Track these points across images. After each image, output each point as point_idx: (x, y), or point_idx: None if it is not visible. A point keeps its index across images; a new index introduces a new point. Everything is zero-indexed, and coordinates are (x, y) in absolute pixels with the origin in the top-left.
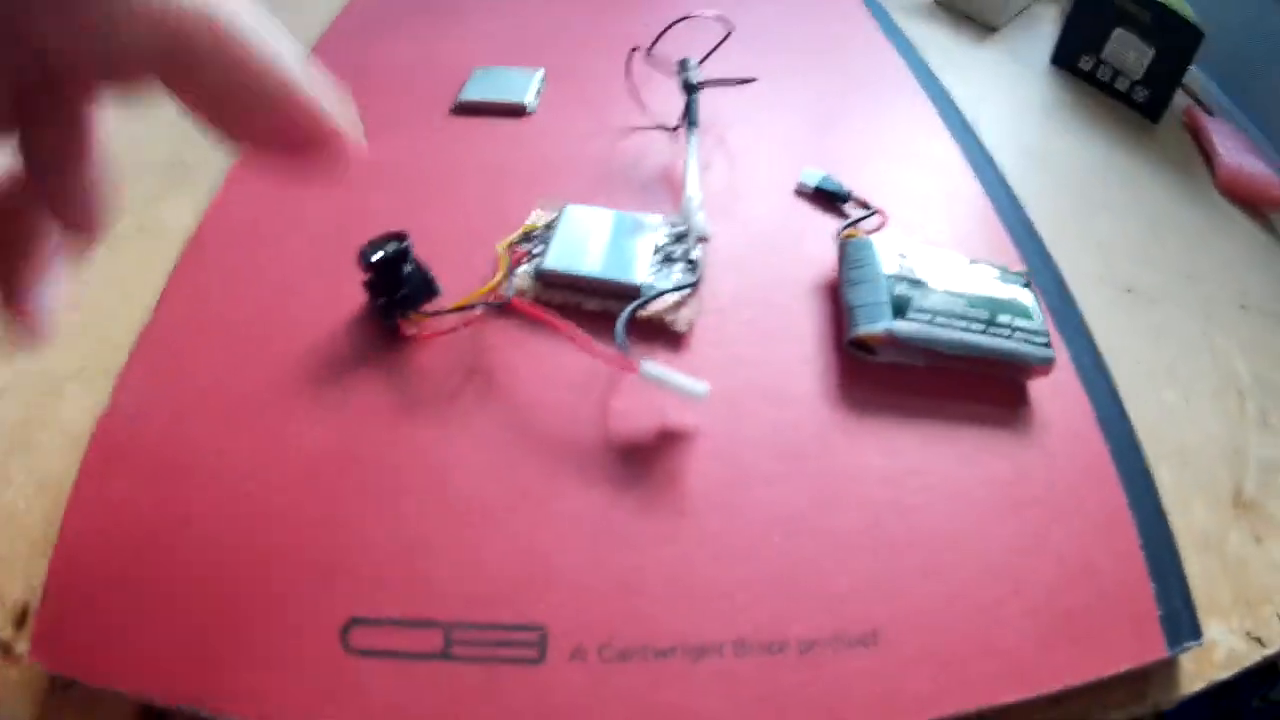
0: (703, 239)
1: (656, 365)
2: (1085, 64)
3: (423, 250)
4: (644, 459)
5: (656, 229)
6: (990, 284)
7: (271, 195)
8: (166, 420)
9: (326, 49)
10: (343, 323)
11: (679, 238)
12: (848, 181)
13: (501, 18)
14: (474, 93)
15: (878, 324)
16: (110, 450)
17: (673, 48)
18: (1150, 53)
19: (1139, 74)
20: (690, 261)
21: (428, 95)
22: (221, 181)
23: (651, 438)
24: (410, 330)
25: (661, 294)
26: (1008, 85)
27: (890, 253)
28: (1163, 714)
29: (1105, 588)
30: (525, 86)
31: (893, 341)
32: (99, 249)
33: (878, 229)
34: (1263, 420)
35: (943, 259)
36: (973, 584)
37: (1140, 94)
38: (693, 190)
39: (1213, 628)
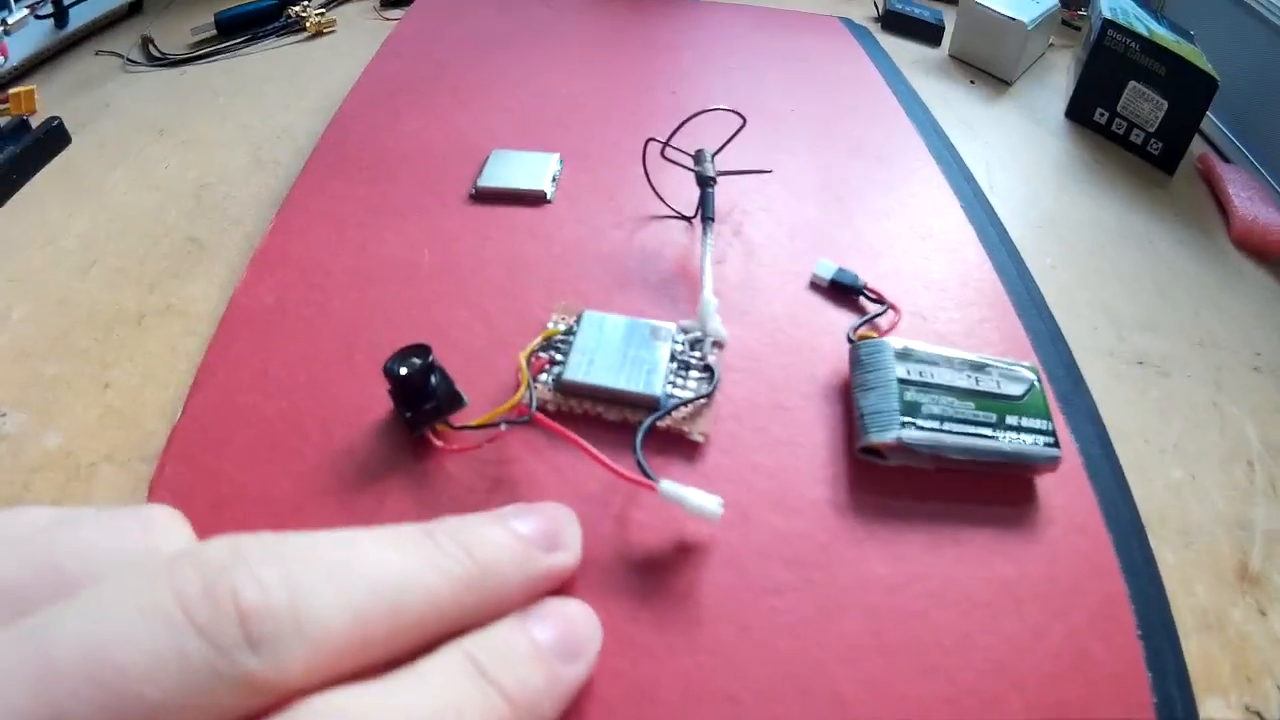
0: (719, 344)
1: (674, 485)
2: (1100, 117)
3: (444, 350)
4: (661, 571)
5: (673, 335)
6: (999, 382)
7: (294, 286)
8: (200, 524)
9: (345, 123)
10: (371, 425)
11: (695, 343)
12: (863, 269)
13: (515, 95)
14: (493, 179)
15: (888, 432)
16: None
17: (688, 129)
18: (1165, 104)
19: (1154, 126)
20: (707, 368)
21: (446, 179)
22: (236, 263)
23: (668, 550)
24: (437, 442)
25: (680, 404)
26: (1022, 143)
27: (901, 353)
28: None
29: (1101, 679)
30: (543, 173)
31: (902, 449)
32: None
33: (892, 327)
34: (1272, 488)
35: (953, 358)
36: (973, 683)
37: (1155, 146)
38: (709, 293)
39: (1210, 704)
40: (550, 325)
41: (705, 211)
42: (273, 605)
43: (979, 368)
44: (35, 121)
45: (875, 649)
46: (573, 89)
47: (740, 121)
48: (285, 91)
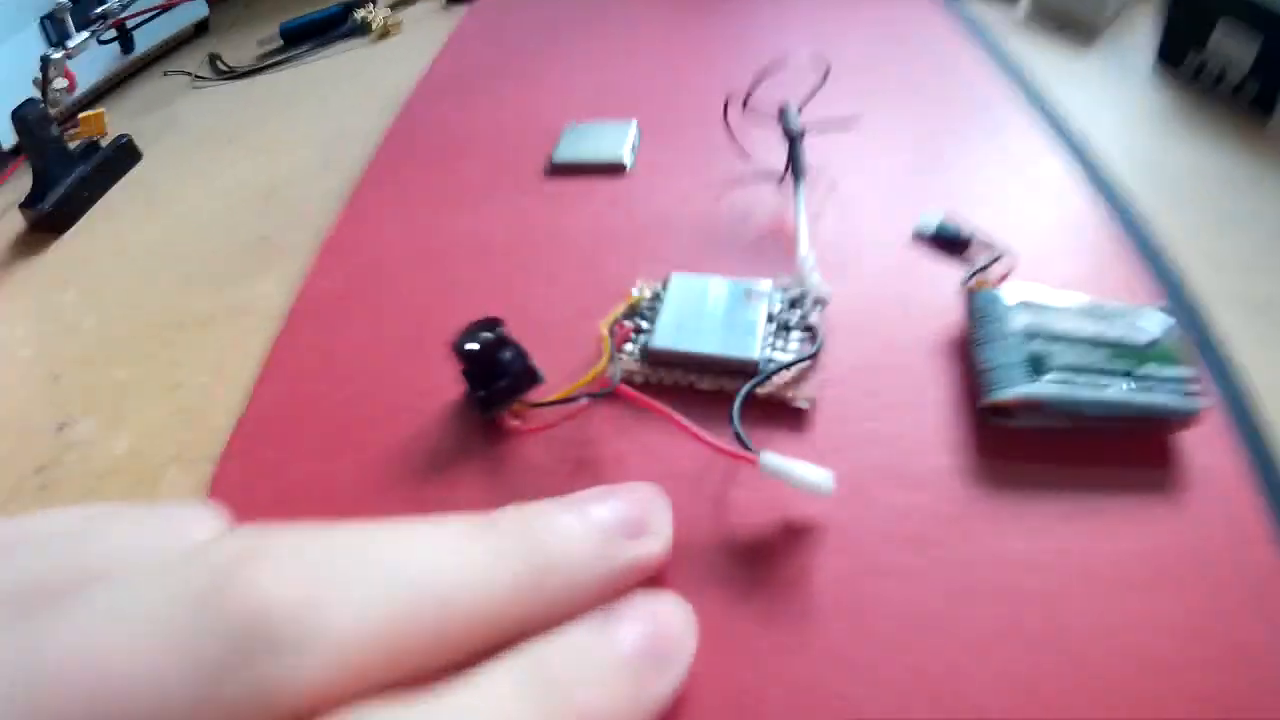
0: (821, 302)
1: (777, 457)
2: (1191, 61)
3: (521, 328)
4: (764, 558)
5: (770, 295)
6: (1130, 328)
7: (364, 272)
8: (263, 517)
9: (413, 113)
10: (442, 410)
11: (794, 302)
12: (967, 220)
13: (586, 70)
14: (568, 152)
15: (1014, 388)
16: None
17: (768, 89)
18: (1259, 39)
19: (1248, 65)
20: (809, 328)
21: (520, 156)
22: (307, 258)
23: (772, 534)
24: (513, 422)
25: (781, 368)
26: (1114, 94)
27: (1021, 303)
28: None
29: (1273, 666)
30: (620, 142)
31: (1032, 405)
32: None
33: (1006, 275)
34: None
35: (1076, 303)
36: (1128, 679)
37: (1251, 88)
38: (805, 249)
39: None
40: (635, 293)
41: (795, 166)
42: (293, 603)
43: (1105, 315)
44: (104, 143)
45: (1013, 643)
46: (644, 59)
47: (824, 69)
48: (353, 93)
